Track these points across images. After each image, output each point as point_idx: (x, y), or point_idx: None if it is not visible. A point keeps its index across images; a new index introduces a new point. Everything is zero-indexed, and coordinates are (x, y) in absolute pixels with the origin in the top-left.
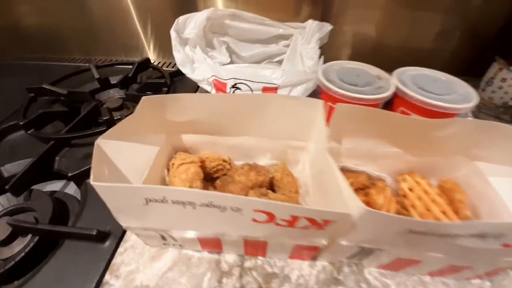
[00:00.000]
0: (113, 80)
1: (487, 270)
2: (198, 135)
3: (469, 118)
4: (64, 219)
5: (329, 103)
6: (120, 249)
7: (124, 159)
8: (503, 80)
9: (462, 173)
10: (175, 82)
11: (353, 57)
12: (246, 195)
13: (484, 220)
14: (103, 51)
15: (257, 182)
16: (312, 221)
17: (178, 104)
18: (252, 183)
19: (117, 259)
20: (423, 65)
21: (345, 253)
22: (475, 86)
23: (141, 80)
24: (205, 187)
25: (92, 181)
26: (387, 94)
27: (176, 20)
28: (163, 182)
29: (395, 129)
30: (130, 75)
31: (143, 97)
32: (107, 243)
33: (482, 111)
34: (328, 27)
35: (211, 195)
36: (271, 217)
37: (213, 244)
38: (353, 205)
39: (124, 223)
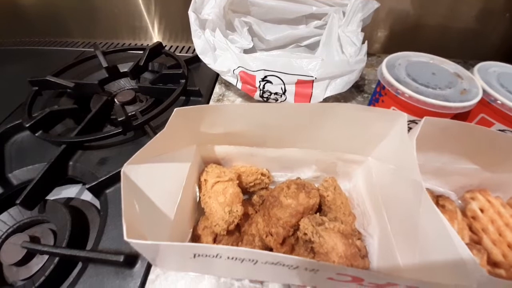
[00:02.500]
0: (122, 68)
1: None
2: (234, 146)
3: None
4: (84, 233)
5: (393, 107)
6: (151, 276)
7: (155, 184)
8: None
9: None
10: (191, 70)
11: (388, 39)
12: (297, 222)
13: None
14: (106, 33)
15: (308, 206)
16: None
17: (216, 115)
18: (304, 208)
19: (148, 287)
20: (468, 48)
21: None
22: None
23: (153, 68)
24: (244, 208)
25: (126, 237)
26: (475, 100)
27: None
28: (195, 202)
29: (476, 144)
30: (142, 63)
31: (176, 109)
32: (136, 268)
33: None
34: (374, 4)
35: (280, 257)
36: (357, 280)
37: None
38: (472, 269)
39: (162, 268)
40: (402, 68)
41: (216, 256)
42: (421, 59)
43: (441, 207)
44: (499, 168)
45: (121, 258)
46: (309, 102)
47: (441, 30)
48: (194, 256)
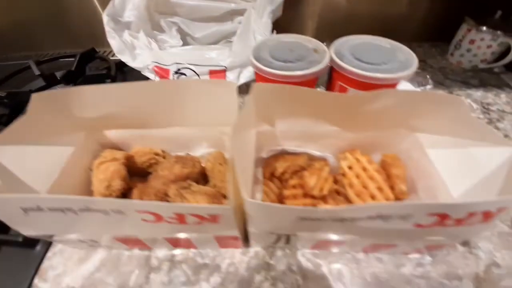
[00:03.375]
0: (60, 75)
1: (417, 247)
2: (124, 130)
3: (405, 86)
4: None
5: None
6: (48, 254)
7: (27, 165)
8: (472, 42)
9: (404, 147)
10: (126, 72)
11: (321, 29)
12: (167, 189)
13: (379, 203)
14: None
15: (182, 175)
16: (199, 217)
17: (82, 99)
18: (175, 176)
19: (45, 263)
20: (395, 33)
21: (265, 239)
22: (445, 51)
23: (91, 73)
24: (133, 184)
25: None
26: (315, 69)
27: (111, 2)
28: (87, 184)
29: (327, 107)
30: (73, 68)
31: (33, 95)
32: (37, 248)
33: (448, 77)
34: None
35: (86, 200)
36: (158, 216)
37: (136, 243)
38: (244, 196)
39: (24, 232)
40: (268, 48)
41: (39, 209)
42: (288, 40)
43: (308, 166)
44: (359, 128)
45: (20, 238)
46: None
47: (371, 16)
48: (25, 211)
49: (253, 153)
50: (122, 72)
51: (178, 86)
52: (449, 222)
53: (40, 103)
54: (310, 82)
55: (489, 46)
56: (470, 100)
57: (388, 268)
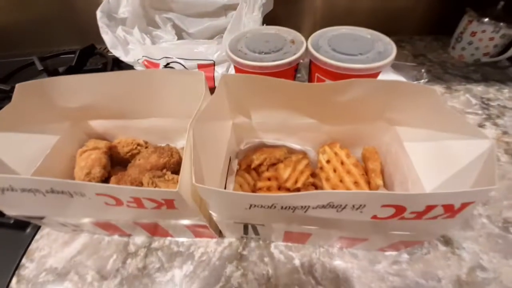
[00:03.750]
0: (62, 70)
1: (391, 243)
2: (106, 120)
3: (398, 79)
4: None
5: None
6: (37, 236)
7: (12, 151)
8: (473, 34)
9: (385, 140)
10: (122, 68)
11: (320, 25)
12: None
13: (329, 191)
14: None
15: (158, 164)
16: (155, 201)
17: (62, 88)
18: (151, 165)
19: (33, 245)
20: (397, 26)
21: (233, 229)
22: (447, 45)
23: (91, 67)
24: (114, 173)
25: None
26: (288, 59)
27: None
28: (72, 172)
29: (301, 98)
30: (73, 63)
31: (17, 84)
32: (27, 231)
33: (448, 71)
34: None
35: (49, 181)
36: (117, 200)
37: (115, 229)
38: (193, 181)
39: (6, 212)
40: (244, 40)
41: (13, 189)
42: (267, 31)
43: (285, 159)
44: (337, 121)
45: (11, 221)
46: (214, 84)
47: (372, 10)
48: (2, 191)
49: (225, 143)
50: (119, 67)
51: (151, 75)
52: (407, 215)
53: (24, 92)
54: (285, 73)
55: (491, 39)
56: (468, 95)
57: (362, 264)
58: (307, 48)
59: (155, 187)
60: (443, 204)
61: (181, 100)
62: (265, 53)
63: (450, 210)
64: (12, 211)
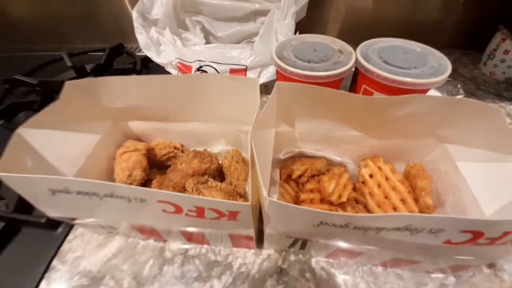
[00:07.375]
0: (90, 68)
1: (441, 267)
2: (146, 122)
3: (434, 94)
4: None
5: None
6: (69, 237)
7: (56, 150)
8: (506, 52)
9: (430, 158)
10: (150, 68)
11: (344, 33)
12: (185, 183)
13: (410, 213)
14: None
15: (200, 170)
16: (218, 212)
17: (110, 88)
18: (194, 171)
19: (65, 246)
20: (424, 39)
21: (280, 242)
22: (477, 60)
23: (119, 66)
24: (152, 176)
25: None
26: (340, 70)
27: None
28: (110, 172)
29: (352, 111)
30: (102, 62)
31: (66, 82)
32: (59, 230)
33: (481, 88)
34: None
35: (111, 186)
36: (178, 208)
37: (152, 233)
38: (265, 195)
39: (48, 214)
40: (291, 48)
41: (67, 191)
42: (313, 40)
43: (327, 171)
44: (383, 135)
45: (43, 220)
46: None
47: (400, 21)
48: (52, 193)
49: (271, 153)
50: (147, 68)
51: (199, 80)
52: (481, 241)
53: (72, 90)
54: (334, 84)
55: None
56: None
57: (408, 286)
58: (356, 59)
59: (199, 194)
60: None
61: (230, 105)
62: (315, 62)
63: None
64: (55, 213)
